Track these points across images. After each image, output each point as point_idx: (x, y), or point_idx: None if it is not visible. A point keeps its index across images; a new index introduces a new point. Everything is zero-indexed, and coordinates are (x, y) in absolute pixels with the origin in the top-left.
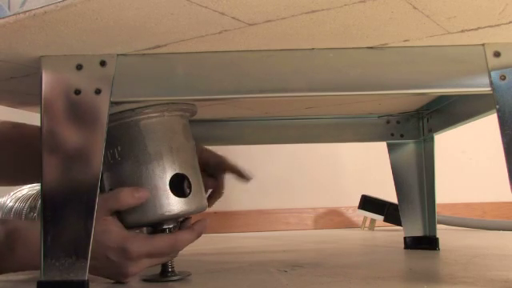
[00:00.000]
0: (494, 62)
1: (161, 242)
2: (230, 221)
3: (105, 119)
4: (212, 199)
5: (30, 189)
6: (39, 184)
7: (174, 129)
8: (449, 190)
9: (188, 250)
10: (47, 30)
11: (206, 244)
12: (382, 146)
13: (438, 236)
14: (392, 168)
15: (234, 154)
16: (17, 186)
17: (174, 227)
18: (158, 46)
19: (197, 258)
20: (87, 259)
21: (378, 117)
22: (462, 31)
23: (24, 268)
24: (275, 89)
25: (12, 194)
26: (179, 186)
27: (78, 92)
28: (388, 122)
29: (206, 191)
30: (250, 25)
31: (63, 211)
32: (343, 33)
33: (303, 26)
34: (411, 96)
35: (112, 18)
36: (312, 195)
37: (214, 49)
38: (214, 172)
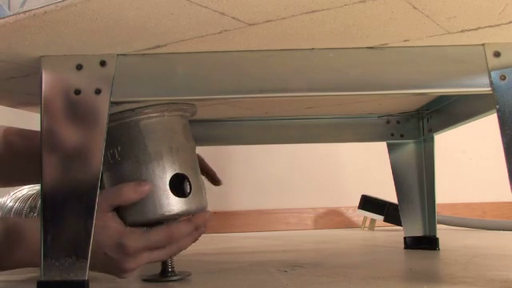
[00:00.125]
0: (493, 61)
1: (157, 234)
2: (230, 221)
3: (105, 119)
4: None
5: (30, 189)
6: (39, 184)
7: (174, 129)
8: (449, 190)
9: (188, 249)
10: (47, 30)
11: (206, 244)
12: (382, 146)
13: (438, 236)
14: (392, 168)
15: (234, 153)
16: (17, 187)
17: None
18: (158, 46)
19: (197, 258)
20: (87, 259)
21: (378, 117)
22: (462, 31)
23: (22, 265)
24: (275, 89)
25: (12, 193)
26: (179, 185)
27: (77, 92)
28: (388, 122)
29: None
30: (250, 25)
31: (63, 211)
32: (343, 33)
33: (303, 26)
34: (411, 96)
35: (112, 18)
36: (312, 195)
37: (214, 49)
38: None
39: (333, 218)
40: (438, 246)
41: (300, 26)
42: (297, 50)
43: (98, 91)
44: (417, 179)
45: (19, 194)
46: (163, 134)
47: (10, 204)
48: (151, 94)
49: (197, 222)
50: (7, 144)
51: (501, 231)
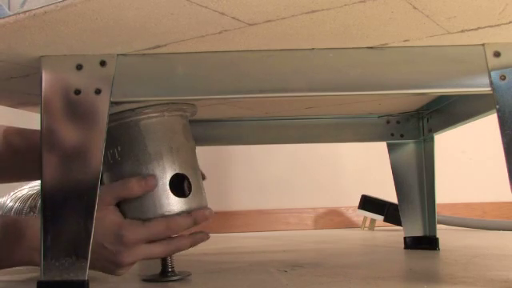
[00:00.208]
0: (494, 61)
1: (156, 225)
2: (230, 221)
3: (105, 119)
4: None
5: (30, 189)
6: (39, 184)
7: (174, 129)
8: (449, 190)
9: (188, 249)
10: (47, 30)
11: (206, 244)
12: (382, 146)
13: (438, 236)
14: (392, 168)
15: (234, 153)
16: (17, 187)
17: None
18: (158, 46)
19: (197, 258)
20: (87, 259)
21: (378, 117)
22: (462, 31)
23: (22, 263)
24: (275, 89)
25: (12, 193)
26: (179, 186)
27: (77, 92)
28: (388, 122)
29: None
30: (250, 25)
31: (63, 211)
32: (343, 33)
33: (303, 26)
34: (411, 96)
35: (112, 18)
36: (312, 195)
37: (214, 49)
38: None
39: (333, 218)
40: (437, 246)
41: (300, 26)
42: (297, 50)
43: (97, 91)
44: (417, 179)
45: (19, 194)
46: (163, 133)
47: (10, 204)
48: (151, 94)
49: (196, 216)
50: (7, 143)
51: (501, 231)
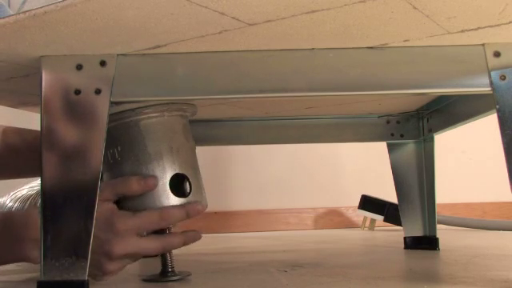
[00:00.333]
0: (494, 61)
1: (147, 215)
2: (230, 221)
3: (105, 119)
4: None
5: (30, 189)
6: (39, 184)
7: (174, 129)
8: (449, 190)
9: (188, 250)
10: (47, 30)
11: (206, 244)
12: (382, 146)
13: (438, 236)
14: (392, 168)
15: (234, 153)
16: (17, 187)
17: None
18: (158, 46)
19: (197, 258)
20: (87, 259)
21: (378, 117)
22: (462, 31)
23: (17, 259)
24: (275, 89)
25: (12, 193)
26: (179, 186)
27: (77, 92)
28: (388, 122)
29: None
30: (250, 25)
31: (63, 211)
32: (343, 33)
33: (303, 26)
34: (411, 96)
35: (112, 18)
36: (312, 195)
37: (214, 49)
38: None
39: (333, 218)
40: (438, 246)
41: (300, 26)
42: (297, 49)
43: (98, 91)
44: (417, 179)
45: (19, 194)
46: (163, 134)
47: (10, 204)
48: (151, 94)
49: (188, 208)
50: (5, 142)
51: (501, 231)
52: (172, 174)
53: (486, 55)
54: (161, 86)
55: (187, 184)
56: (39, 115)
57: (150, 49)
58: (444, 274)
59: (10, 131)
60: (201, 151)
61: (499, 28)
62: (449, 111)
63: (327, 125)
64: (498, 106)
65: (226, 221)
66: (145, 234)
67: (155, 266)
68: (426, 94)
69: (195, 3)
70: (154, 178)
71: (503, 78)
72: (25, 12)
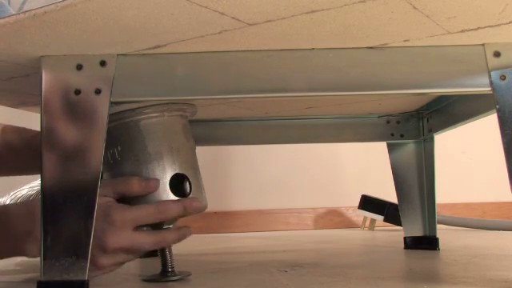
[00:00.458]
0: (493, 61)
1: (144, 208)
2: (229, 221)
3: (105, 119)
4: None
5: (30, 189)
6: (39, 184)
7: (174, 129)
8: (449, 190)
9: (188, 250)
10: (47, 30)
11: (206, 244)
12: (382, 146)
13: (438, 236)
14: (392, 168)
15: (234, 153)
16: (17, 186)
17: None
18: (158, 46)
19: (197, 258)
20: (87, 259)
21: (378, 117)
22: (462, 31)
23: (7, 254)
24: (275, 89)
25: (12, 193)
26: (179, 185)
27: (77, 92)
28: (388, 122)
29: None
30: (250, 25)
31: (63, 211)
32: (343, 33)
33: (303, 26)
34: (411, 96)
35: (112, 18)
36: (312, 195)
37: (214, 49)
38: None
39: (333, 218)
40: (438, 246)
41: (300, 26)
42: (297, 49)
43: (98, 91)
44: (417, 179)
45: (19, 194)
46: (163, 134)
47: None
48: (151, 94)
49: (186, 203)
50: (5, 140)
51: (501, 231)
52: (172, 174)
53: (485, 55)
54: (161, 86)
55: (187, 184)
56: (39, 115)
57: (149, 49)
58: (444, 274)
59: (9, 129)
60: (201, 151)
61: (499, 28)
62: (449, 111)
63: (327, 125)
64: (498, 106)
65: (225, 221)
66: (144, 229)
67: (155, 266)
68: (426, 93)
69: (195, 3)
70: (156, 180)
71: (503, 77)
72: (25, 12)
